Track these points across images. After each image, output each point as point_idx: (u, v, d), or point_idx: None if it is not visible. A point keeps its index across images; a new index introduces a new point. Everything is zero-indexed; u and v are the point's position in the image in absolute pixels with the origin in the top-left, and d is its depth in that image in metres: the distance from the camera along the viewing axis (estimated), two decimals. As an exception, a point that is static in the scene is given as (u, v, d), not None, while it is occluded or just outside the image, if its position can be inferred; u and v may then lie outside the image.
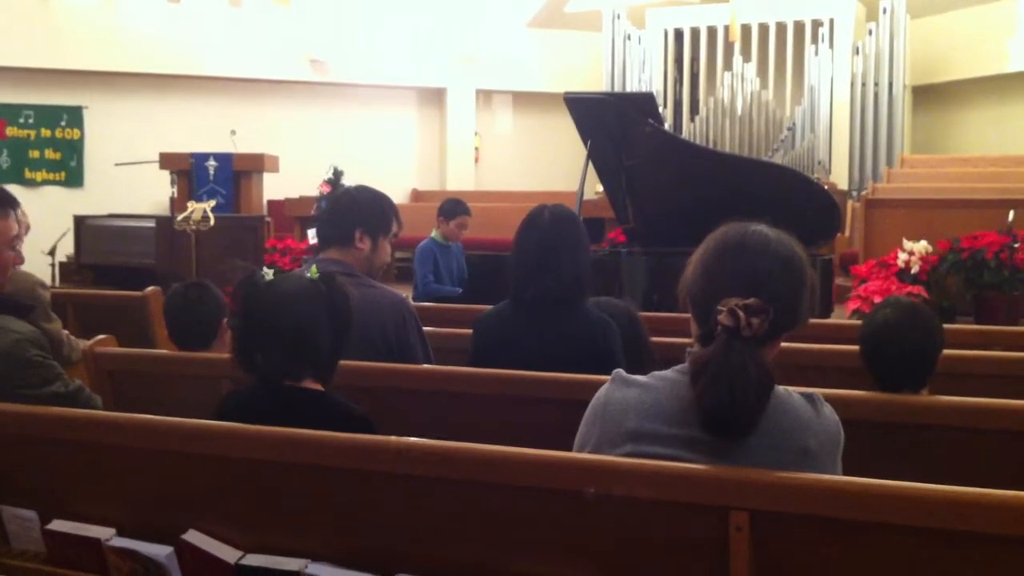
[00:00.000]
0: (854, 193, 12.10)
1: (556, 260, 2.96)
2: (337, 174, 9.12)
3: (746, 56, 13.18)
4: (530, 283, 2.98)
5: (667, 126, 11.12)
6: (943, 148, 13.41)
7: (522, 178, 14.06)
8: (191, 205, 6.97)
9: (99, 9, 12.33)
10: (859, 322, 3.07)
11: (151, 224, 7.62)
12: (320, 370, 2.26)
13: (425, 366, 3.05)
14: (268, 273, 2.27)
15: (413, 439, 1.94)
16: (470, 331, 3.17)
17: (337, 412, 2.20)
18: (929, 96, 13.50)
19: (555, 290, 2.96)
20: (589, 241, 3.14)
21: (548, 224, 3.03)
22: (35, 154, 12.42)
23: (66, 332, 3.89)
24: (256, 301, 2.23)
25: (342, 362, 2.35)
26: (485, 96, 14.62)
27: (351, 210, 3.22)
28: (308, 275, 2.31)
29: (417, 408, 2.81)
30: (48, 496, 2.25)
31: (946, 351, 2.67)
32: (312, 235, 7.42)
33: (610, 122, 5.87)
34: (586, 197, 6.53)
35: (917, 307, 2.67)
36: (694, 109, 13.80)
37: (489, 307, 3.19)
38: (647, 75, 13.67)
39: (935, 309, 7.31)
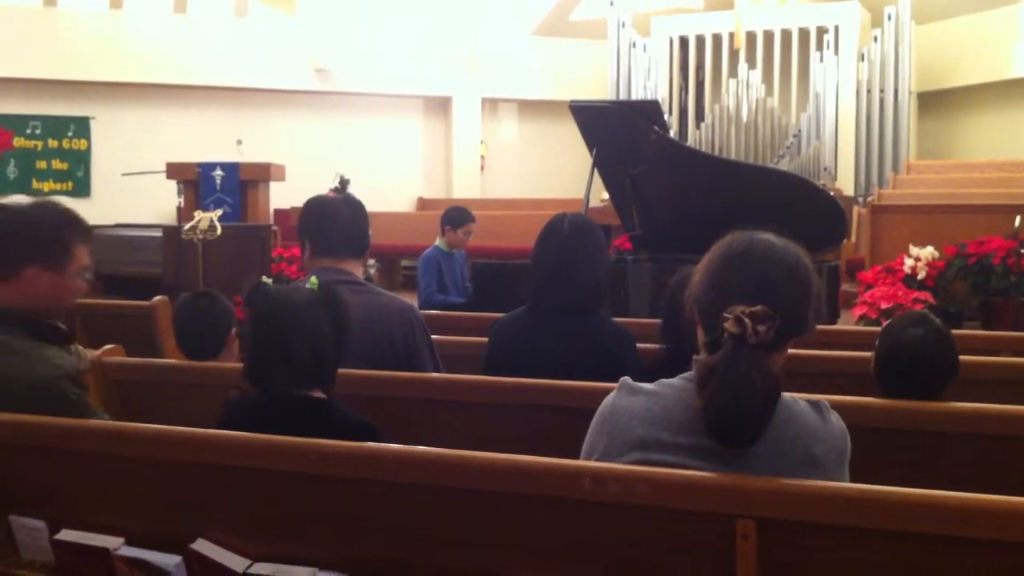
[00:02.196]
0: (860, 199, 12.10)
1: (574, 269, 2.98)
2: (344, 182, 9.11)
3: (751, 63, 13.19)
4: (547, 290, 2.99)
5: (672, 133, 11.14)
6: (949, 154, 13.40)
7: (528, 186, 14.09)
8: (198, 214, 6.95)
9: (105, 20, 12.40)
10: (867, 328, 3.06)
11: (158, 234, 7.61)
12: (325, 381, 2.29)
13: (434, 374, 3.04)
14: (268, 281, 2.28)
15: (420, 448, 1.94)
16: (478, 339, 3.17)
17: (341, 420, 2.21)
18: (934, 102, 13.50)
19: (571, 298, 2.97)
20: (608, 251, 3.14)
21: (567, 233, 3.04)
22: (42, 164, 12.48)
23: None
24: (266, 318, 2.24)
25: (351, 371, 2.36)
26: (491, 104, 14.65)
27: (365, 222, 3.15)
28: (308, 286, 2.32)
29: (425, 417, 2.80)
30: (56, 506, 2.26)
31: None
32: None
33: (616, 130, 5.86)
34: (592, 205, 6.55)
35: (945, 331, 2.65)
36: (700, 116, 13.81)
37: (497, 314, 3.20)
38: (652, 83, 13.69)
39: (942, 314, 7.30)
